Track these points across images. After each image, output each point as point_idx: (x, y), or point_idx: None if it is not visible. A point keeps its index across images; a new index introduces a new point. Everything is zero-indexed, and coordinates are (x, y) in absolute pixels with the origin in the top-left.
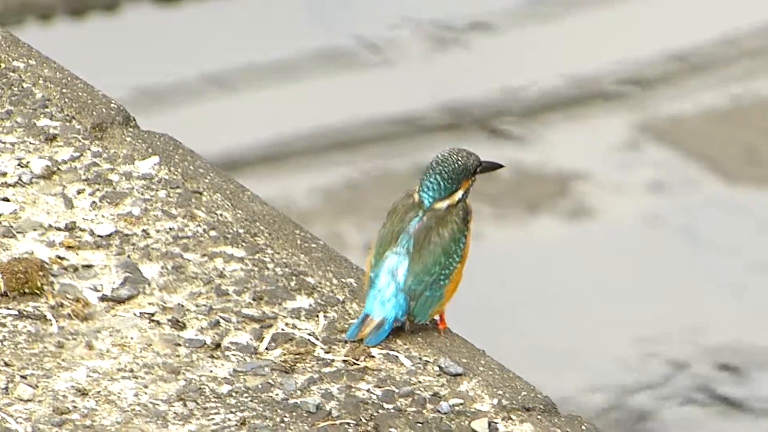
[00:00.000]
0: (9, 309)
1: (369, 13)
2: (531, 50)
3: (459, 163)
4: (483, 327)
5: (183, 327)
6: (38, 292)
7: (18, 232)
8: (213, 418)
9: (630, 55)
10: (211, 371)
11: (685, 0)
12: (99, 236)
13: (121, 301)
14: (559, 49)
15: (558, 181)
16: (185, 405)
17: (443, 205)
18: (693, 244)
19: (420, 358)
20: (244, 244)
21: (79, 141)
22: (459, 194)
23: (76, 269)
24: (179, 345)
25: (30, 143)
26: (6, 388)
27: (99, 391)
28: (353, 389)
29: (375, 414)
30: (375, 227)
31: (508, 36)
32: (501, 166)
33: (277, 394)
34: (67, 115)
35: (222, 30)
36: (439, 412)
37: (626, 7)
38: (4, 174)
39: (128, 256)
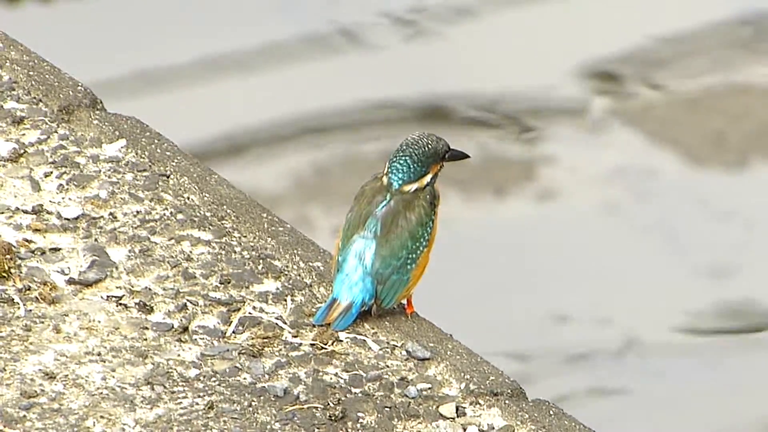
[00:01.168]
0: None
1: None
2: (506, 38)
3: (429, 146)
4: (450, 311)
5: (150, 311)
6: (5, 275)
7: None
8: (181, 402)
9: (601, 41)
10: (179, 355)
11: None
12: (66, 219)
13: (88, 284)
14: (531, 37)
15: (525, 165)
16: (153, 389)
17: (411, 187)
18: (659, 229)
19: (387, 343)
20: (211, 227)
21: (46, 124)
22: (428, 178)
23: (43, 252)
24: (147, 329)
25: None
26: None
27: (66, 375)
28: (321, 373)
29: (343, 398)
30: (343, 211)
31: (484, 23)
32: (467, 156)
33: (244, 378)
34: (34, 97)
35: (192, 16)
36: (407, 396)
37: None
38: None
39: (95, 240)
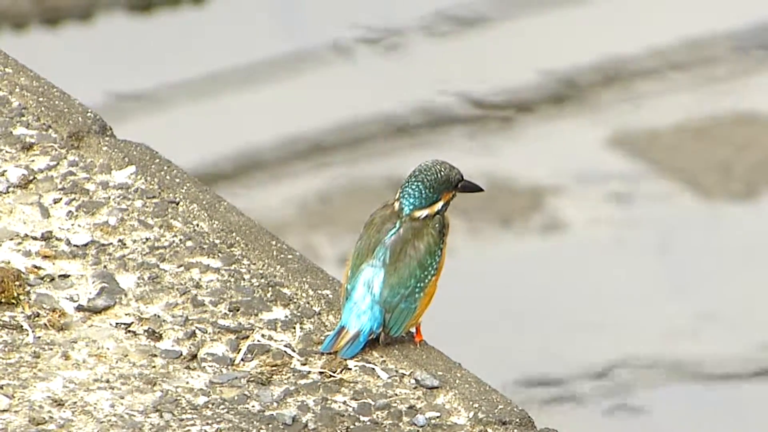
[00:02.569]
0: None
1: (337, 17)
2: (506, 54)
3: (442, 173)
4: (457, 342)
5: (159, 338)
6: (14, 301)
7: None
8: (189, 430)
9: (605, 62)
10: (188, 382)
11: (663, 9)
12: (75, 246)
13: (97, 311)
14: (532, 54)
15: (531, 195)
16: (161, 416)
17: (422, 213)
18: (666, 259)
19: (396, 371)
20: (220, 254)
21: (56, 150)
22: (439, 205)
23: (52, 279)
24: (155, 356)
25: (6, 152)
26: None
27: (75, 402)
28: (329, 401)
29: (351, 426)
30: (348, 239)
31: (480, 38)
32: (481, 189)
33: (253, 406)
34: (44, 123)
35: (194, 38)
36: (416, 425)
37: (598, 8)
38: None
39: (105, 266)
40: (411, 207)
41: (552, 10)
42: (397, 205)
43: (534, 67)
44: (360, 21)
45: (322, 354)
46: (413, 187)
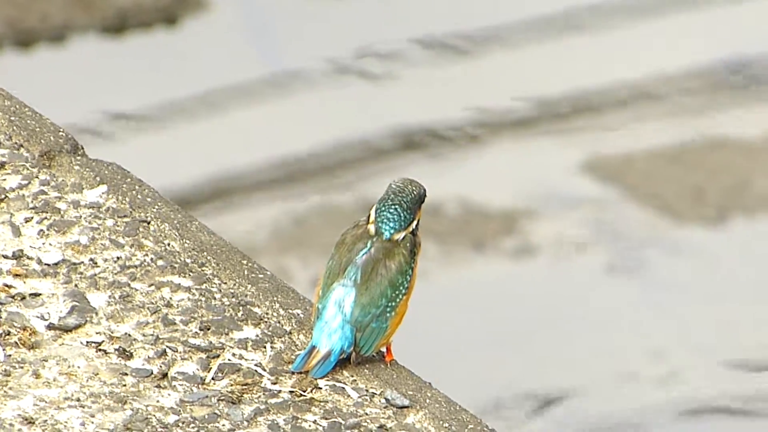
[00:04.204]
0: None
1: (311, 42)
2: (480, 80)
3: (414, 192)
4: (429, 364)
5: (130, 356)
6: None
7: None
8: None
9: (579, 91)
10: (158, 401)
11: (636, 37)
12: (46, 264)
13: (68, 329)
14: (505, 82)
15: (504, 219)
16: None
17: (401, 236)
18: (638, 283)
19: (367, 390)
20: (191, 273)
21: (27, 169)
22: (414, 224)
23: (23, 297)
24: (126, 374)
25: None
26: None
27: (46, 420)
28: (300, 420)
29: None
30: (320, 262)
31: (455, 63)
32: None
33: (223, 425)
34: (16, 142)
35: (167, 61)
36: None
37: (574, 40)
38: None
39: (76, 285)
40: (392, 231)
41: (528, 42)
42: (372, 228)
43: (508, 93)
44: (334, 46)
45: (293, 373)
46: (392, 210)
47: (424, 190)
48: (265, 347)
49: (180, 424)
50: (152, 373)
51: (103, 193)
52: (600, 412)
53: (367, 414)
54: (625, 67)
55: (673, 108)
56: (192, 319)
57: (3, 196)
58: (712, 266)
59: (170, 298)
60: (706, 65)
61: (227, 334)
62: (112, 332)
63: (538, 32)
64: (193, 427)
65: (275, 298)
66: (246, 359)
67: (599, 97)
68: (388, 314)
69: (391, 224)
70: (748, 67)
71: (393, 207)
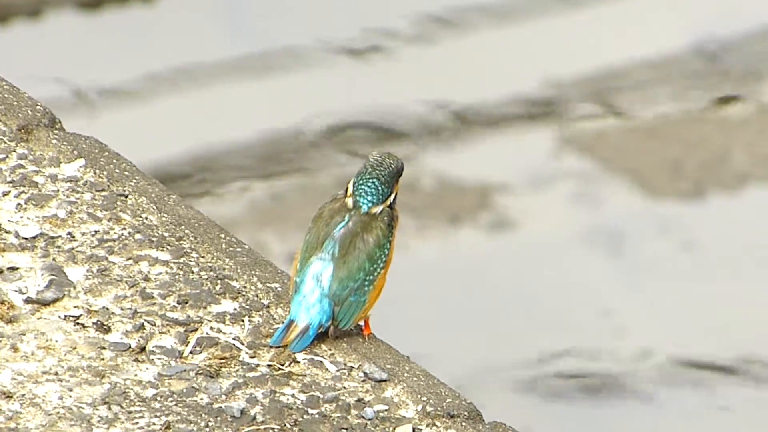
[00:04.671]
0: None
1: (291, 21)
2: (456, 62)
3: (393, 166)
4: (405, 339)
5: (108, 330)
6: None
7: None
8: (137, 422)
9: (555, 69)
10: (136, 375)
11: (612, 17)
12: (24, 238)
13: (46, 303)
14: (482, 63)
15: (480, 193)
16: (110, 408)
17: (379, 209)
18: (615, 257)
19: (345, 364)
20: (169, 247)
21: (5, 143)
22: (391, 198)
23: (1, 271)
24: (104, 348)
25: None
26: None
27: (24, 394)
28: (278, 394)
29: (299, 419)
30: (298, 237)
31: (434, 47)
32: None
33: (201, 399)
34: None
35: (144, 37)
36: (364, 417)
37: (552, 21)
38: None
39: (53, 259)
40: (369, 204)
41: (503, 26)
42: (350, 201)
43: (483, 76)
44: (315, 27)
45: (271, 347)
46: (369, 184)
47: (402, 164)
48: (243, 321)
49: (158, 398)
50: (130, 347)
51: (80, 167)
52: (574, 384)
53: (345, 387)
54: (599, 50)
55: (650, 86)
56: (170, 293)
57: None
58: (690, 241)
59: (148, 272)
60: (680, 47)
61: (205, 307)
62: (90, 306)
63: (511, 14)
64: (171, 401)
65: (253, 272)
66: (224, 333)
67: (574, 77)
68: (366, 288)
69: (369, 197)
70: (721, 48)
71: (371, 180)
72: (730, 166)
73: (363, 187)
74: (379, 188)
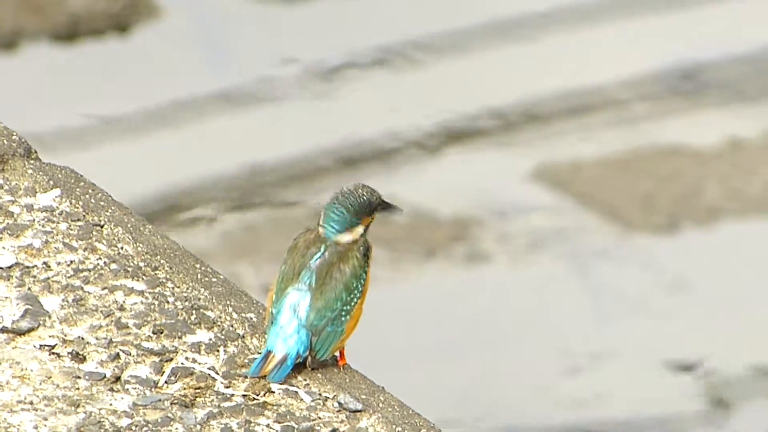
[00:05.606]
0: None
1: (266, 52)
2: (429, 89)
3: (364, 197)
4: (379, 370)
5: (83, 360)
6: None
7: None
8: None
9: (528, 99)
10: (111, 404)
11: (586, 42)
12: (0, 268)
13: (21, 333)
14: (455, 90)
15: (454, 226)
16: None
17: (345, 239)
18: (588, 291)
19: (320, 394)
20: (144, 277)
21: None
22: (360, 229)
23: None
24: (79, 378)
25: None
26: None
27: None
28: (253, 424)
29: None
30: (271, 270)
31: (405, 74)
32: (399, 210)
33: (176, 428)
34: None
35: (119, 68)
36: None
37: (523, 48)
38: None
39: (29, 289)
40: (334, 232)
41: (476, 50)
42: (321, 230)
43: (457, 102)
44: (287, 56)
45: (246, 377)
46: (336, 212)
47: (378, 197)
48: (218, 351)
49: (133, 428)
50: (105, 376)
51: (56, 196)
52: (547, 417)
53: (320, 418)
54: (574, 74)
55: (624, 115)
56: (145, 323)
57: None
58: (663, 275)
59: (123, 302)
60: (657, 71)
61: (180, 337)
62: (65, 335)
63: (485, 40)
64: (146, 431)
65: (228, 302)
66: (199, 363)
67: (548, 104)
68: (343, 318)
69: (335, 226)
70: (698, 73)
71: (339, 209)
72: (702, 200)
73: (329, 214)
74: (347, 217)
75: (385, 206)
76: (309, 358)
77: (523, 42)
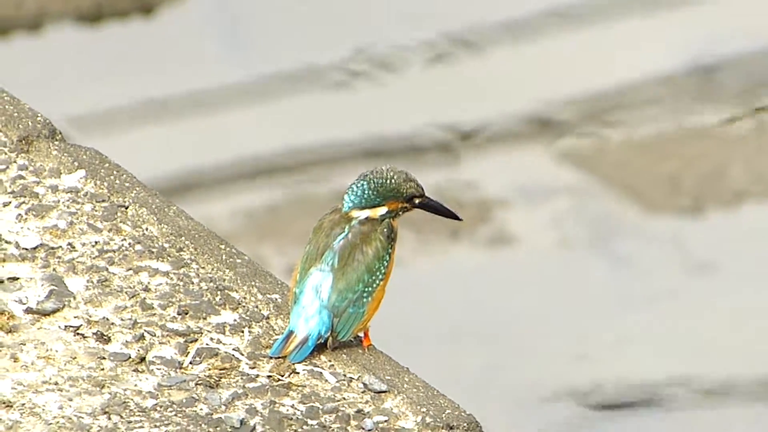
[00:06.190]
0: None
1: (289, 41)
2: (457, 83)
3: (393, 180)
4: (404, 352)
5: (108, 340)
6: None
7: None
8: None
9: (554, 87)
10: (136, 385)
11: (610, 37)
12: (24, 249)
13: (46, 314)
14: (484, 82)
15: (479, 208)
16: (110, 418)
17: (361, 214)
18: (614, 272)
19: (344, 375)
20: (169, 258)
21: (5, 154)
22: (381, 210)
23: (1, 282)
24: (104, 358)
25: None
26: None
27: (24, 404)
28: (277, 405)
29: (299, 430)
30: (295, 251)
31: (433, 67)
32: (456, 218)
33: (201, 409)
34: None
35: (144, 51)
36: (363, 428)
37: (552, 42)
38: None
39: (54, 269)
40: (350, 205)
41: (499, 47)
42: (341, 204)
43: (482, 96)
44: (313, 45)
45: (271, 357)
46: (357, 185)
47: (413, 187)
48: (243, 332)
49: (158, 408)
50: (130, 357)
51: (81, 177)
52: (569, 398)
53: (344, 398)
54: (597, 68)
55: (648, 103)
56: (170, 304)
57: None
58: (687, 257)
59: (148, 283)
60: (683, 62)
61: (205, 318)
62: (90, 316)
63: (508, 36)
64: (171, 411)
65: (253, 283)
66: (224, 343)
67: (573, 97)
68: (365, 299)
69: (352, 197)
70: (722, 63)
71: (360, 183)
72: (727, 183)
73: (351, 186)
74: (366, 192)
75: (428, 204)
76: (330, 339)
77: (546, 37)
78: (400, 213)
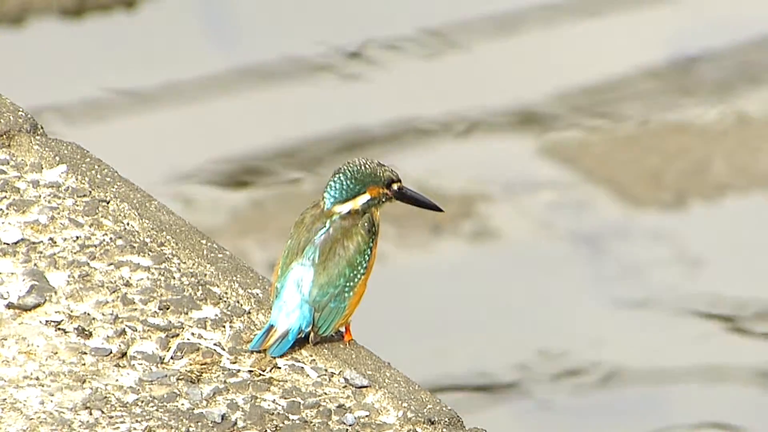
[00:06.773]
0: None
1: (271, 34)
2: (441, 76)
3: (367, 167)
4: (385, 346)
5: (89, 335)
6: None
7: None
8: (118, 427)
9: (536, 81)
10: (117, 380)
11: (592, 32)
12: (5, 244)
13: (27, 309)
14: (467, 76)
15: (462, 202)
16: (91, 413)
17: (344, 208)
18: (595, 267)
19: (326, 370)
20: (150, 253)
21: None
22: (362, 198)
23: None
24: (85, 353)
25: None
26: None
27: (4, 399)
28: (259, 400)
29: (280, 425)
30: (278, 246)
31: (419, 59)
32: (437, 209)
33: (182, 404)
34: None
35: (126, 45)
36: (345, 423)
37: (535, 37)
38: None
39: (35, 264)
40: (332, 200)
41: (484, 41)
42: (322, 201)
43: (465, 89)
44: (296, 37)
45: (252, 352)
46: (335, 179)
47: (389, 173)
48: (224, 327)
49: (139, 403)
50: (111, 352)
51: (62, 172)
52: (553, 392)
53: (326, 393)
54: (580, 63)
55: (633, 94)
56: (151, 299)
57: None
58: (670, 250)
59: (129, 278)
60: (666, 55)
61: (186, 313)
62: (71, 311)
63: (492, 30)
64: (152, 406)
65: (234, 278)
66: (205, 338)
67: (555, 91)
68: (346, 294)
69: (333, 193)
70: (703, 56)
71: (337, 176)
72: (710, 177)
73: (330, 182)
74: (345, 183)
75: (407, 194)
76: (311, 334)
77: (529, 32)
78: (383, 200)
